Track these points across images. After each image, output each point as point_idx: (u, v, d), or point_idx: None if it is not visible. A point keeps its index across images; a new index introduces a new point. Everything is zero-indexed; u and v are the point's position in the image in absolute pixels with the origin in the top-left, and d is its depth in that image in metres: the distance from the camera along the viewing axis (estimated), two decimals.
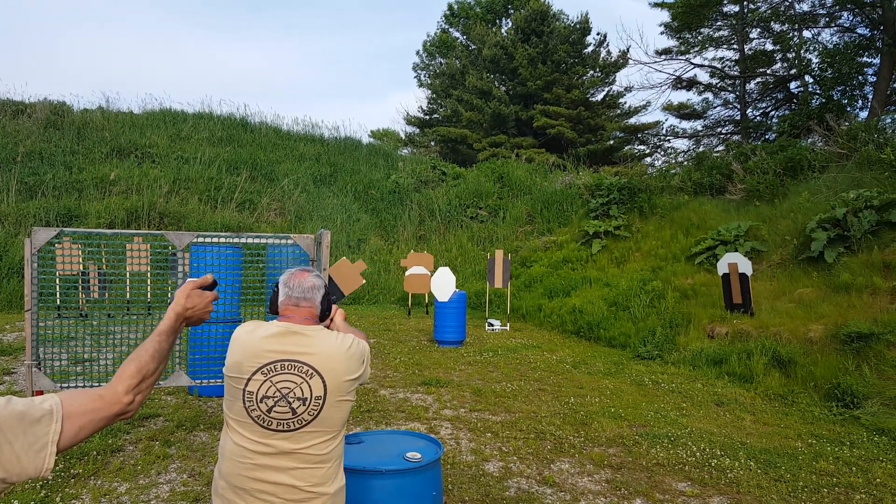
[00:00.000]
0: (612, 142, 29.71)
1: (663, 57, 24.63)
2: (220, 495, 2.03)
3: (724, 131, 26.37)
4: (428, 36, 39.47)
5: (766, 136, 22.97)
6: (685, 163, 19.65)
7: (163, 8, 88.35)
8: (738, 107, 25.08)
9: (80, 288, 11.77)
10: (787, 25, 21.33)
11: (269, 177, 19.69)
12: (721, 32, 23.86)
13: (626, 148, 30.07)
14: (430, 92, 35.19)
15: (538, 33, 29.70)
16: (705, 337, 8.91)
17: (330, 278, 4.70)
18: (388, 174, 21.78)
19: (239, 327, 2.13)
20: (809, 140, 15.08)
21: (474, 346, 9.95)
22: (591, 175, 19.06)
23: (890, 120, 13.08)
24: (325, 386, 2.00)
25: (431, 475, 2.86)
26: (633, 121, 30.39)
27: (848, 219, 9.07)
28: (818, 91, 19.43)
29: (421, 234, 18.80)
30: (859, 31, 19.64)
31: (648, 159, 29.39)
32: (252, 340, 2.04)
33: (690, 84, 25.07)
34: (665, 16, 24.21)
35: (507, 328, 11.81)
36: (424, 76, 37.50)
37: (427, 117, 34.77)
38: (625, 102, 30.77)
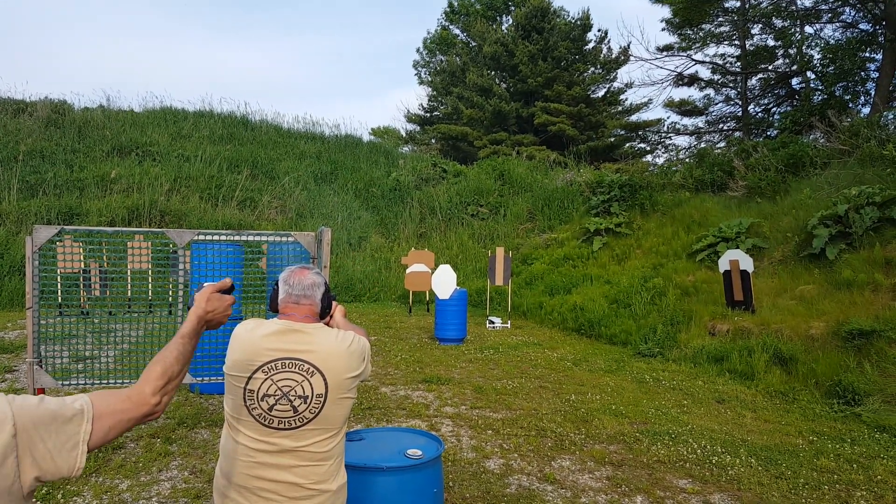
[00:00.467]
0: (613, 139, 29.67)
1: (664, 53, 24.60)
2: (222, 493, 2.03)
3: (725, 128, 26.36)
4: (428, 33, 39.43)
5: (768, 133, 22.96)
6: (687, 159, 19.61)
7: (163, 6, 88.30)
8: (740, 103, 25.04)
9: (81, 286, 11.79)
10: (788, 21, 21.28)
11: (269, 175, 19.69)
12: (722, 28, 23.83)
13: (628, 145, 30.05)
14: (430, 89, 35.18)
15: (539, 30, 29.65)
16: (706, 334, 8.90)
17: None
18: (389, 172, 21.76)
19: (239, 325, 2.12)
20: (811, 136, 15.05)
21: (475, 344, 9.95)
22: (592, 172, 19.05)
23: (892, 116, 13.05)
24: (326, 384, 1.99)
25: (432, 472, 2.87)
26: (634, 118, 30.38)
27: (850, 215, 9.05)
28: (820, 87, 19.40)
29: (422, 232, 18.80)
30: (861, 26, 19.59)
31: (650, 156, 29.40)
32: (252, 339, 2.03)
33: (692, 80, 25.04)
34: (666, 12, 24.15)
35: (508, 326, 11.81)
36: (425, 73, 37.49)
37: (428, 115, 34.75)
38: (626, 99, 30.78)
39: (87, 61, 76.69)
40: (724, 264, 9.15)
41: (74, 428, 1.16)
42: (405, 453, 2.82)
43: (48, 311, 9.31)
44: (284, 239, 4.71)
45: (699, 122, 27.35)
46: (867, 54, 18.78)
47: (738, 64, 24.10)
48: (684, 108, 26.52)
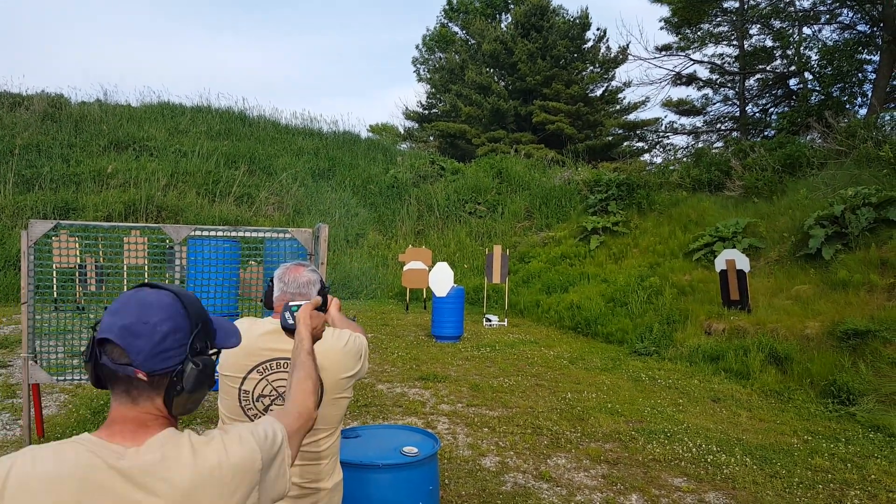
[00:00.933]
0: (611, 138, 29.67)
1: (663, 53, 24.59)
2: None
3: (723, 128, 26.37)
4: (427, 30, 39.40)
5: (765, 133, 22.99)
6: (684, 159, 19.62)
7: (162, 3, 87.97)
8: (738, 103, 25.06)
9: (76, 281, 11.75)
10: (786, 22, 21.29)
11: (267, 171, 19.65)
12: (721, 28, 23.82)
13: (625, 144, 30.05)
14: (429, 87, 35.11)
15: (538, 28, 29.62)
16: (702, 333, 8.92)
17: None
18: (387, 169, 21.73)
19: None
20: (808, 137, 15.07)
21: (472, 342, 9.95)
22: (589, 171, 19.04)
23: (889, 117, 13.09)
24: (321, 384, 1.99)
25: (428, 469, 2.87)
26: (632, 117, 30.38)
27: (846, 216, 9.08)
28: (817, 88, 19.41)
29: (419, 230, 18.78)
30: (859, 28, 19.61)
31: (647, 155, 29.39)
32: (248, 338, 2.01)
33: (690, 80, 25.04)
34: (665, 11, 24.14)
35: (505, 324, 11.82)
36: (423, 71, 37.41)
37: (426, 112, 34.70)
38: (624, 98, 30.76)
39: (84, 55, 76.40)
40: (720, 264, 9.17)
41: (282, 454, 1.29)
42: (401, 451, 2.82)
43: (43, 306, 9.27)
44: (281, 235, 4.70)
45: (697, 121, 27.38)
46: (864, 56, 18.81)
47: (737, 64, 24.11)
48: (682, 107, 26.53)
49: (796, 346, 7.44)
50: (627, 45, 34.29)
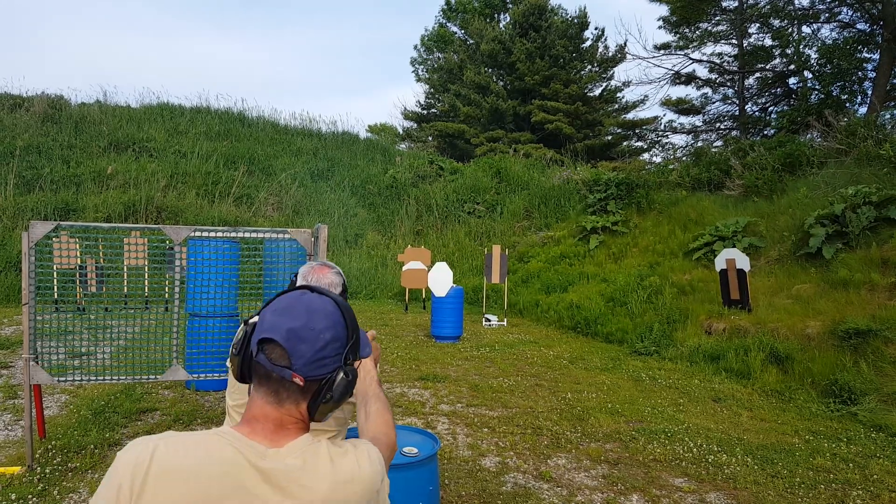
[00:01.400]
0: (610, 137, 29.67)
1: (661, 52, 24.60)
2: None
3: (722, 127, 26.37)
4: (426, 30, 39.39)
5: (765, 132, 22.98)
6: (683, 158, 19.63)
7: (160, 2, 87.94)
8: (737, 102, 25.06)
9: (77, 282, 11.75)
10: (786, 21, 21.29)
11: (266, 171, 19.64)
12: (720, 27, 23.83)
13: (625, 143, 30.05)
14: (427, 87, 35.11)
15: (536, 28, 29.62)
16: (703, 333, 8.91)
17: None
18: (386, 169, 21.73)
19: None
20: (808, 136, 15.06)
21: (471, 342, 9.95)
22: (588, 170, 19.02)
23: (889, 116, 13.10)
24: None
25: (428, 470, 2.86)
26: (631, 116, 30.38)
27: (846, 215, 9.07)
28: (817, 87, 19.42)
29: (418, 230, 18.78)
30: (859, 26, 19.60)
31: (646, 155, 29.39)
32: None
33: (689, 79, 25.04)
34: (664, 10, 24.17)
35: (505, 324, 11.81)
36: (422, 71, 37.40)
37: (424, 112, 34.69)
38: (623, 97, 30.77)
39: (83, 57, 76.37)
40: (720, 263, 9.17)
41: (386, 480, 1.28)
42: (401, 451, 2.82)
43: (44, 307, 9.26)
44: (281, 236, 4.70)
45: (696, 120, 27.38)
46: (864, 54, 18.82)
47: (736, 63, 24.12)
48: (681, 106, 26.53)
49: (797, 346, 7.44)
50: (625, 43, 34.24)
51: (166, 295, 11.23)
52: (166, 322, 5.94)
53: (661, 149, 29.02)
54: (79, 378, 4.55)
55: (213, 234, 4.58)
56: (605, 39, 31.08)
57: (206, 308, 5.80)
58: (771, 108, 24.17)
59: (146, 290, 12.10)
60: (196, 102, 24.11)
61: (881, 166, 10.27)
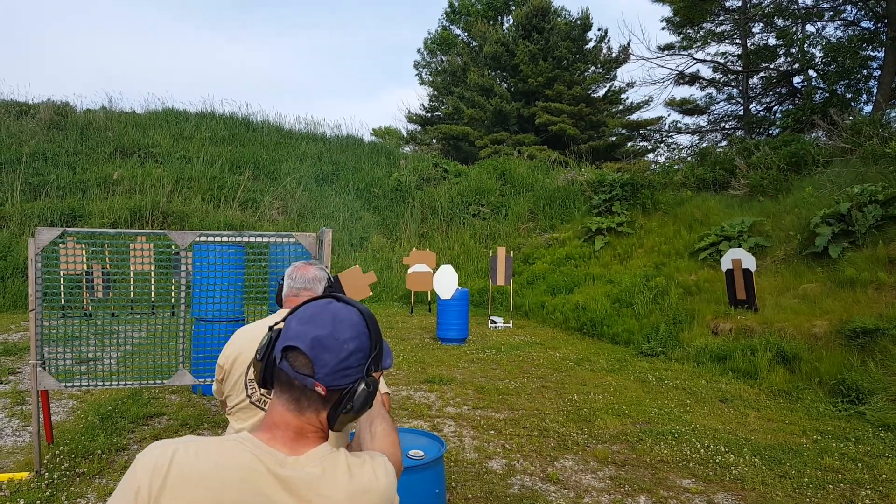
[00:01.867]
0: (614, 138, 29.63)
1: (665, 52, 24.58)
2: None
3: (727, 126, 26.30)
4: (429, 33, 39.46)
5: (770, 132, 22.91)
6: (688, 158, 19.57)
7: (164, 8, 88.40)
8: (742, 102, 24.99)
9: (84, 287, 11.81)
10: (789, 20, 21.23)
11: (271, 175, 19.70)
12: (723, 27, 23.78)
13: (629, 144, 30.00)
14: (431, 89, 35.16)
15: (539, 30, 29.63)
16: (709, 333, 8.88)
17: (337, 279, 4.68)
18: (390, 172, 21.75)
19: (238, 331, 2.20)
20: (813, 135, 15.01)
21: (477, 344, 9.94)
22: (593, 171, 19.00)
23: (894, 114, 13.02)
24: None
25: (434, 473, 2.86)
26: (635, 117, 30.33)
27: (852, 214, 9.03)
28: (822, 85, 19.37)
29: (423, 232, 18.79)
30: (863, 24, 19.55)
31: (651, 155, 29.35)
32: (255, 332, 2.11)
33: (693, 79, 25.00)
34: (667, 11, 24.14)
35: (510, 325, 11.80)
36: (426, 74, 37.46)
37: (429, 115, 34.73)
38: (627, 98, 30.73)
39: (89, 63, 76.81)
40: (726, 263, 9.14)
41: (397, 496, 1.26)
42: (407, 454, 2.82)
43: (51, 313, 9.32)
44: (286, 240, 4.71)
45: (701, 120, 27.32)
46: (869, 52, 18.76)
47: (740, 63, 24.06)
48: (686, 106, 26.48)
49: (804, 345, 7.40)
50: (629, 44, 34.26)
51: (172, 300, 11.27)
52: (172, 327, 5.96)
53: (665, 149, 28.97)
54: (86, 383, 4.57)
55: (218, 238, 4.60)
56: (609, 41, 31.05)
57: (211, 312, 5.82)
58: (776, 108, 24.11)
59: (152, 295, 12.15)
60: (201, 107, 24.20)
61: (887, 164, 10.22)
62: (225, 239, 4.65)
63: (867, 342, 6.85)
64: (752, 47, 23.35)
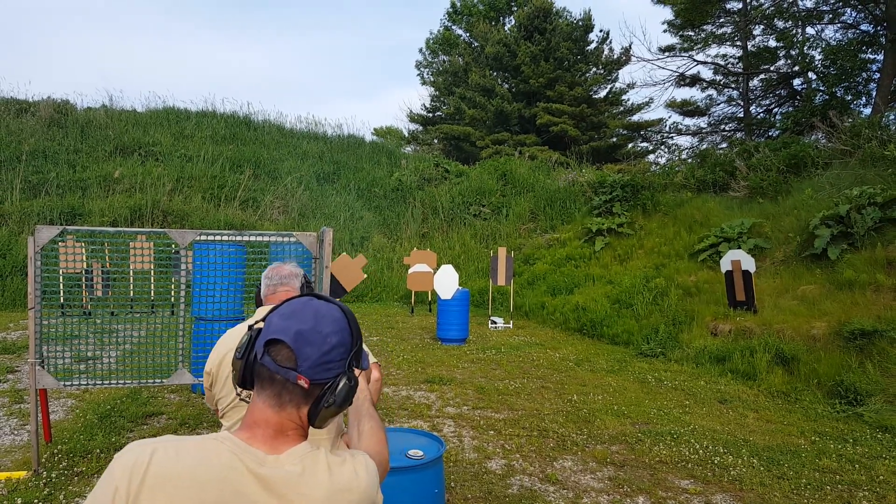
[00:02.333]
0: (615, 139, 29.64)
1: (666, 54, 24.57)
2: None
3: (727, 128, 26.30)
4: (431, 33, 39.44)
5: (770, 133, 22.90)
6: (688, 160, 19.57)
7: (165, 6, 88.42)
8: (742, 104, 25.00)
9: (83, 286, 11.81)
10: (790, 22, 21.24)
11: (272, 175, 19.69)
12: (724, 29, 23.79)
13: (630, 145, 30.02)
14: (432, 89, 35.17)
15: (541, 31, 29.64)
16: (708, 334, 8.89)
17: (332, 276, 4.69)
18: (391, 172, 21.76)
19: (224, 335, 2.24)
20: (813, 137, 15.01)
21: (477, 344, 9.95)
22: (594, 172, 19.00)
23: (894, 116, 13.04)
24: None
25: (434, 473, 2.87)
26: (636, 118, 30.35)
27: (851, 216, 9.04)
28: (821, 88, 19.36)
29: (424, 232, 18.80)
30: (863, 27, 19.56)
31: (652, 156, 29.36)
32: (239, 333, 2.13)
33: (693, 81, 25.00)
34: (668, 13, 24.17)
35: (510, 326, 11.81)
36: (427, 74, 37.45)
37: (430, 115, 34.74)
38: (628, 100, 30.74)
39: (89, 61, 76.83)
40: (725, 264, 9.15)
41: (380, 495, 1.27)
42: (407, 454, 2.82)
43: (50, 312, 9.32)
44: (286, 239, 4.72)
45: (701, 122, 27.32)
46: (868, 55, 18.76)
47: (740, 65, 24.07)
48: (686, 108, 26.48)
49: (803, 347, 7.41)
50: (630, 46, 34.24)
51: (172, 299, 11.27)
52: (172, 326, 5.97)
53: (666, 150, 28.97)
54: (85, 382, 4.58)
55: (218, 237, 4.61)
56: (610, 42, 31.15)
57: (211, 312, 5.83)
58: (775, 110, 24.10)
59: (152, 293, 12.15)
60: (202, 106, 24.19)
61: (886, 167, 10.23)
62: (225, 238, 4.66)
63: (865, 344, 6.86)
64: (752, 49, 23.37)
